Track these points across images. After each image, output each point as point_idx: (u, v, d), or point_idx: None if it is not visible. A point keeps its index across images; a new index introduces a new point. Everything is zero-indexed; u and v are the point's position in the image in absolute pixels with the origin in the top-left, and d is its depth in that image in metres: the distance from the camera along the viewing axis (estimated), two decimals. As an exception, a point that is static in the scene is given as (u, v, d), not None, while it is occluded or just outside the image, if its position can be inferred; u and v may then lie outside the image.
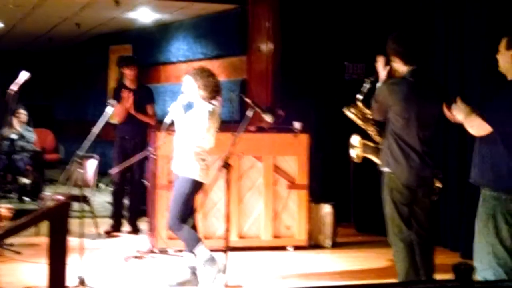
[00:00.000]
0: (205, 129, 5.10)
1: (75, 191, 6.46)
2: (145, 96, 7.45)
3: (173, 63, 10.44)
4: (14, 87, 5.56)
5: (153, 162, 6.25)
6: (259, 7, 8.46)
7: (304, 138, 6.69)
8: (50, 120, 14.47)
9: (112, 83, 11.16)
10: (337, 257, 6.46)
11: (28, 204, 8.91)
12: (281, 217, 6.68)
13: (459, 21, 6.52)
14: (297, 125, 6.77)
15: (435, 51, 6.77)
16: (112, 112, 5.67)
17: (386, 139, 4.62)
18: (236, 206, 6.44)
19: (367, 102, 4.82)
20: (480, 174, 3.94)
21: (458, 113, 3.96)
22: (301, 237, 6.67)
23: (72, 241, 2.98)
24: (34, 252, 6.09)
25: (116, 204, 7.44)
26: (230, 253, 4.60)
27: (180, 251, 5.86)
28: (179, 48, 10.13)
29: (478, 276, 3.72)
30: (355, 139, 4.87)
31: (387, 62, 4.68)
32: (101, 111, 5.61)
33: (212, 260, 5.02)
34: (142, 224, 7.30)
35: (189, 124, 5.14)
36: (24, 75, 5.60)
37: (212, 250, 5.13)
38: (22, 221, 2.78)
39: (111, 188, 7.59)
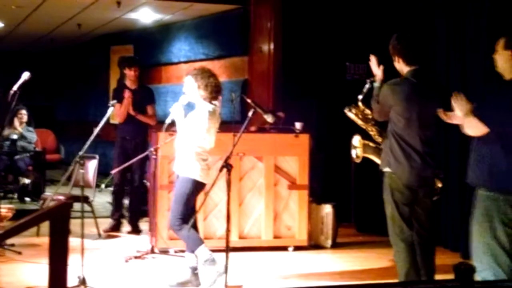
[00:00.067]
0: (205, 129, 5.11)
1: (76, 192, 6.46)
2: (145, 97, 7.45)
3: (174, 63, 10.44)
4: (15, 87, 5.57)
5: (154, 163, 6.26)
6: (261, 8, 8.46)
7: (305, 139, 6.69)
8: (51, 121, 14.48)
9: (113, 84, 11.16)
10: (337, 257, 6.46)
11: (29, 204, 8.93)
12: (281, 218, 6.68)
13: (460, 21, 6.52)
14: (298, 125, 6.77)
15: (436, 51, 6.77)
16: (112, 112, 5.67)
17: (387, 139, 4.62)
18: (236, 207, 6.44)
19: (367, 103, 4.82)
20: (475, 174, 3.94)
21: (458, 109, 3.95)
22: (302, 237, 6.67)
23: (73, 241, 2.98)
24: (35, 252, 6.10)
25: (116, 204, 7.45)
26: (230, 254, 4.60)
27: (181, 251, 5.86)
28: (181, 48, 10.13)
29: (478, 276, 3.71)
30: (356, 139, 4.88)
31: (390, 61, 4.68)
32: (102, 112, 5.61)
33: (213, 261, 5.02)
34: (143, 224, 7.31)
35: (189, 125, 5.14)
36: (25, 76, 5.61)
37: (212, 251, 5.13)
38: (23, 221, 2.78)
39: (111, 188, 7.59)
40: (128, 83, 7.45)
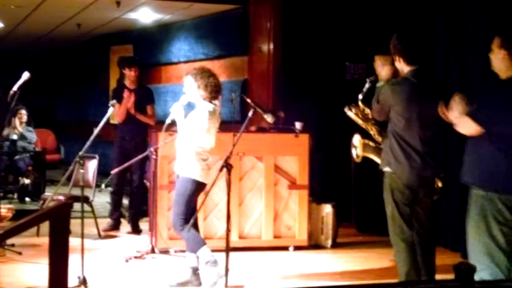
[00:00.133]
0: (205, 129, 5.10)
1: (76, 192, 6.46)
2: (145, 97, 7.45)
3: (174, 63, 10.43)
4: (15, 87, 5.57)
5: (154, 163, 6.25)
6: (260, 8, 8.46)
7: (305, 138, 6.69)
8: (51, 121, 14.49)
9: (113, 84, 11.16)
10: (337, 257, 6.46)
11: (29, 204, 8.93)
12: (282, 217, 6.67)
13: (460, 21, 6.52)
14: (298, 125, 6.77)
15: (436, 51, 6.77)
16: (112, 112, 5.67)
17: (387, 139, 4.62)
18: (236, 207, 6.44)
19: (368, 102, 4.82)
20: (470, 174, 3.93)
21: (455, 108, 3.95)
22: (302, 237, 6.67)
23: (73, 241, 2.98)
24: (35, 252, 6.10)
25: (115, 203, 7.46)
26: (230, 254, 4.60)
27: (181, 251, 5.86)
28: (180, 48, 10.13)
29: (476, 276, 3.70)
30: (356, 139, 4.88)
31: (392, 62, 4.68)
32: (102, 112, 5.61)
33: (214, 262, 5.01)
34: (143, 224, 7.31)
35: (189, 125, 5.14)
36: (25, 76, 5.61)
37: (213, 251, 5.13)
38: (23, 221, 2.78)
39: (111, 188, 7.60)
40: (127, 83, 7.45)
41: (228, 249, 4.52)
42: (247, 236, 6.60)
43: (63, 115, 14.99)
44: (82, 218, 5.07)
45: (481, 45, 6.14)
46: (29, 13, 9.78)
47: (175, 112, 5.22)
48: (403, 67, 4.57)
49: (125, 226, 7.49)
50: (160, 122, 6.45)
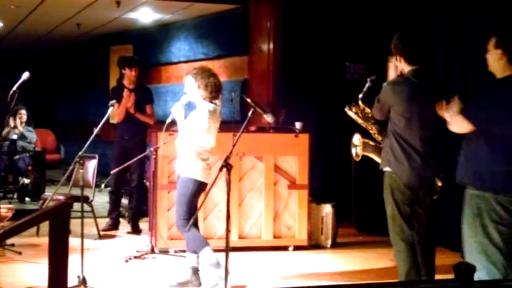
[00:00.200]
0: (205, 128, 5.10)
1: (76, 192, 6.46)
2: (144, 96, 7.46)
3: (174, 63, 10.43)
4: (15, 87, 5.58)
5: (154, 163, 6.25)
6: (260, 7, 8.46)
7: (305, 138, 6.68)
8: (51, 121, 14.50)
9: (113, 84, 11.15)
10: (337, 257, 6.46)
11: (29, 204, 8.93)
12: (281, 217, 6.67)
13: (460, 21, 6.52)
14: (298, 125, 6.77)
15: (436, 51, 6.77)
16: (112, 112, 5.67)
17: (387, 139, 4.62)
18: (236, 206, 6.44)
19: (368, 102, 4.82)
20: (464, 174, 3.93)
21: (450, 108, 3.95)
22: (302, 237, 6.67)
23: (72, 241, 2.98)
24: (35, 252, 6.10)
25: (114, 203, 7.46)
26: (230, 253, 4.59)
27: (181, 251, 5.86)
28: (180, 48, 10.13)
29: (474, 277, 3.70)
30: (356, 138, 4.88)
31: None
32: (102, 112, 5.61)
33: (217, 264, 4.99)
34: (143, 224, 7.31)
35: (190, 124, 5.14)
36: (25, 76, 5.62)
37: (212, 251, 5.12)
38: (23, 221, 2.78)
39: (110, 188, 7.61)
40: (126, 82, 7.45)
41: (228, 249, 4.52)
42: (247, 236, 6.60)
43: (63, 115, 14.99)
44: (82, 218, 5.06)
45: (481, 45, 6.10)
46: (28, 13, 9.78)
47: (175, 112, 5.22)
48: (404, 67, 4.57)
49: (125, 226, 7.49)
50: (160, 122, 6.45)
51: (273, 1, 8.27)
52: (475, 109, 3.86)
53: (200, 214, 5.89)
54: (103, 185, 10.04)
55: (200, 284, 5.13)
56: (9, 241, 6.05)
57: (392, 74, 4.72)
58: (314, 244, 6.79)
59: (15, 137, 9.43)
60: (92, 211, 7.01)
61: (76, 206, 5.32)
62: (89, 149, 5.29)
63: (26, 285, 5.14)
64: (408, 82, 4.51)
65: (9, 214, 6.49)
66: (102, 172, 8.06)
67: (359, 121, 4.91)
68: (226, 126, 5.78)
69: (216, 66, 8.77)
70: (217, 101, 5.23)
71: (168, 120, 5.33)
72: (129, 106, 7.22)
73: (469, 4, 6.41)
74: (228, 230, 4.55)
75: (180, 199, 5.13)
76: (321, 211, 6.90)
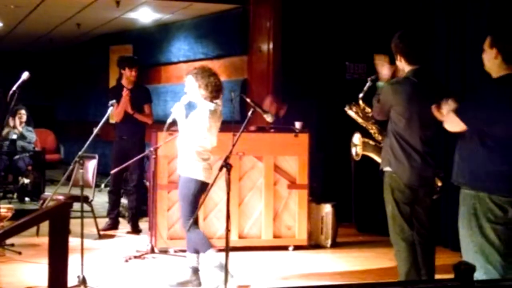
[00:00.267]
0: (206, 128, 5.10)
1: (76, 191, 6.46)
2: (142, 96, 7.47)
3: (174, 63, 10.43)
4: (15, 87, 5.58)
5: (154, 162, 6.25)
6: (260, 7, 8.46)
7: (304, 138, 6.68)
8: (51, 121, 14.49)
9: (113, 84, 11.15)
10: (337, 257, 6.46)
11: (29, 204, 8.92)
12: (281, 217, 6.67)
13: (460, 21, 6.52)
14: (298, 125, 6.77)
15: (436, 51, 6.77)
16: (111, 112, 5.67)
17: (388, 139, 4.62)
18: (236, 206, 6.44)
19: (368, 101, 4.82)
20: (459, 174, 3.92)
21: (445, 108, 3.96)
22: (302, 237, 6.67)
23: (72, 241, 2.98)
24: (35, 252, 6.09)
25: (113, 203, 7.47)
26: (230, 253, 4.59)
27: (181, 251, 5.86)
28: (180, 48, 10.13)
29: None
30: (356, 137, 4.88)
31: (392, 61, 4.68)
32: (102, 112, 5.61)
33: (221, 266, 4.97)
34: (143, 224, 7.31)
35: (190, 124, 5.14)
36: (25, 76, 5.62)
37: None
38: (23, 221, 2.78)
39: (109, 188, 7.61)
40: (124, 82, 7.46)
41: (228, 249, 4.52)
42: (247, 236, 6.60)
43: (63, 115, 14.99)
44: (81, 218, 5.07)
45: (481, 45, 6.11)
46: (28, 13, 9.78)
47: (176, 112, 5.21)
48: (404, 67, 4.57)
49: (125, 226, 7.49)
50: (160, 122, 6.45)
51: (273, 1, 8.27)
52: (470, 109, 3.86)
53: (200, 214, 5.89)
54: (103, 185, 10.05)
55: (200, 284, 5.13)
56: (9, 241, 6.04)
57: (386, 73, 4.71)
58: (314, 244, 6.79)
59: (15, 137, 9.43)
60: (92, 211, 7.01)
61: (76, 206, 5.32)
62: (89, 149, 5.29)
63: (26, 285, 5.14)
64: (409, 82, 4.51)
65: (9, 214, 6.49)
66: (101, 172, 8.05)
67: (359, 120, 4.92)
68: (226, 126, 5.77)
69: (215, 66, 8.75)
70: (218, 101, 5.23)
71: (169, 120, 5.32)
72: (126, 105, 7.22)
73: (469, 4, 6.41)
74: (228, 230, 4.55)
75: (183, 200, 5.13)
76: (321, 211, 6.90)
